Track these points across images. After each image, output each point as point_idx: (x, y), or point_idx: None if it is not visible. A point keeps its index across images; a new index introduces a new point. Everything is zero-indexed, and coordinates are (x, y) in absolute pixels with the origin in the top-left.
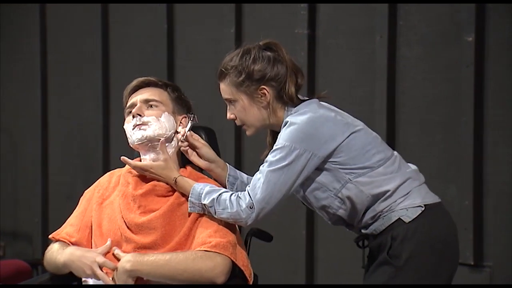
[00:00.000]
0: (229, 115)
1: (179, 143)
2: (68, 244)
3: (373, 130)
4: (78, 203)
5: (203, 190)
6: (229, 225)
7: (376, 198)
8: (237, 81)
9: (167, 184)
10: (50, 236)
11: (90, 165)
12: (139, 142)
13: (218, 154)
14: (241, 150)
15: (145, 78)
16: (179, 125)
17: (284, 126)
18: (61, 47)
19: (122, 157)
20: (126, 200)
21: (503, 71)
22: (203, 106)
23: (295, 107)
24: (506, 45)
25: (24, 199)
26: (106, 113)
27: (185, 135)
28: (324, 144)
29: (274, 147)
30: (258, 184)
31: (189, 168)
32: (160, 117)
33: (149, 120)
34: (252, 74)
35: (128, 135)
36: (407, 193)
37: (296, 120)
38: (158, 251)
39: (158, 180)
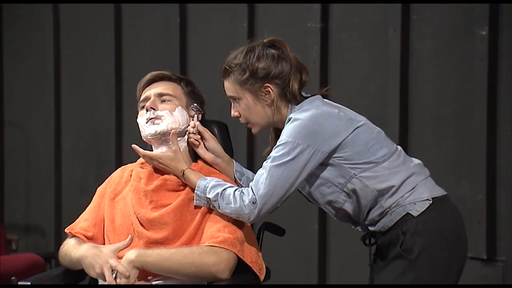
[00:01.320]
0: (233, 113)
1: (190, 134)
2: (84, 239)
3: (385, 124)
4: (91, 197)
5: (209, 184)
6: (238, 221)
7: (382, 193)
8: (241, 79)
9: (176, 176)
10: (66, 230)
11: (102, 160)
12: (152, 137)
13: (231, 148)
14: (253, 144)
15: (159, 72)
16: (192, 120)
17: (287, 123)
18: (74, 43)
19: (133, 145)
20: (137, 195)
21: None
22: (216, 101)
23: (298, 104)
24: None
25: (37, 193)
26: (118, 107)
27: (196, 126)
28: (328, 140)
29: (278, 143)
30: (261, 179)
31: (200, 162)
32: (174, 111)
33: (163, 114)
34: (256, 72)
35: (141, 129)
36: (414, 187)
37: (299, 116)
38: (169, 246)
39: (169, 173)
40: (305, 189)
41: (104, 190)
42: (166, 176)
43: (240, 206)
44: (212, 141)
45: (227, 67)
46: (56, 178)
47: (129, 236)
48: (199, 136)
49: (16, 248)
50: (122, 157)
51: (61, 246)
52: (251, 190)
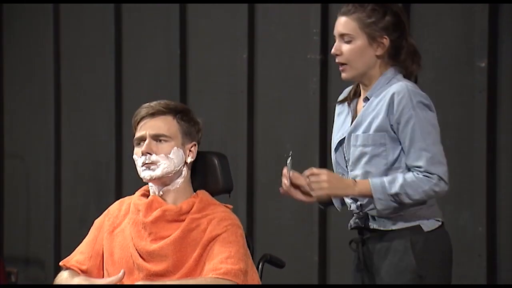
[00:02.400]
0: (335, 50)
1: (284, 186)
2: (79, 272)
3: None
4: (90, 228)
5: (384, 182)
6: (241, 252)
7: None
8: (365, 20)
9: (345, 194)
10: (61, 263)
11: (102, 190)
12: (149, 181)
13: (231, 179)
14: (253, 175)
15: (154, 106)
16: (188, 155)
17: (384, 87)
18: (74, 73)
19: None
20: (136, 228)
21: None
22: (216, 131)
23: (400, 71)
24: None
25: (36, 225)
26: (118, 137)
27: (289, 177)
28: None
29: (406, 119)
30: (422, 156)
31: (200, 194)
32: (169, 153)
33: (158, 160)
34: (381, 21)
35: (137, 169)
36: (432, 205)
37: (408, 87)
38: (170, 278)
39: (168, 205)
40: (366, 151)
41: (101, 223)
42: (165, 207)
43: (430, 186)
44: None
45: (356, 6)
46: (55, 209)
47: (122, 270)
48: (290, 184)
49: (16, 281)
50: (122, 187)
51: (55, 279)
52: (421, 171)
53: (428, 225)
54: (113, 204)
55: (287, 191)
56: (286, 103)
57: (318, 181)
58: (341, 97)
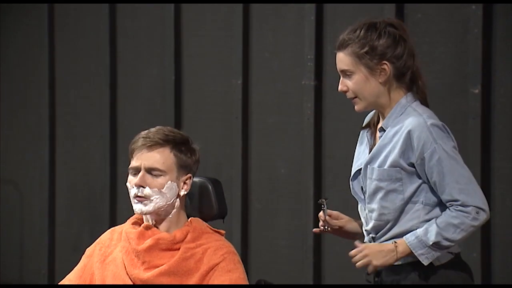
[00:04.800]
0: (341, 87)
1: (322, 229)
2: None
3: None
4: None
5: (420, 236)
6: (241, 277)
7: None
8: (359, 52)
9: (389, 262)
10: None
11: (96, 218)
12: (140, 214)
13: (225, 204)
14: (248, 201)
15: (152, 137)
16: (182, 188)
17: (400, 117)
18: (69, 100)
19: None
20: (129, 256)
21: (510, 123)
22: (211, 157)
23: (413, 96)
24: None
25: (30, 251)
26: (113, 164)
27: (325, 224)
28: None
29: (430, 155)
30: (454, 190)
31: (193, 222)
32: (163, 188)
33: (151, 194)
34: (376, 48)
35: (130, 197)
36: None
37: (425, 117)
38: None
39: (162, 233)
40: (382, 186)
41: (92, 251)
42: (158, 236)
43: (467, 220)
44: (346, 223)
45: (346, 39)
46: (49, 236)
47: None
48: (328, 229)
49: None
50: (116, 214)
51: None
52: (458, 205)
53: (439, 258)
54: (104, 233)
55: (327, 231)
56: (280, 129)
57: (362, 256)
58: (364, 123)
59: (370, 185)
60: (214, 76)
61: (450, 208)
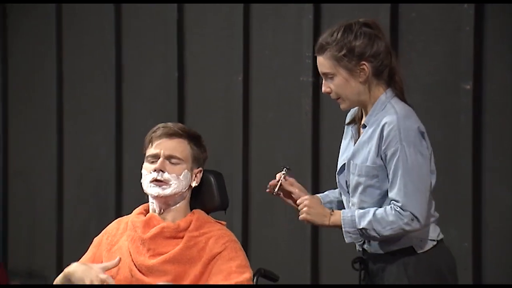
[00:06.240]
0: (325, 89)
1: (276, 194)
2: None
3: None
4: (90, 244)
5: (355, 216)
6: (243, 264)
7: None
8: (338, 55)
9: (321, 225)
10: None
11: (102, 208)
12: (155, 197)
13: (226, 196)
14: (248, 193)
15: (171, 127)
16: (194, 180)
17: (380, 113)
18: (76, 94)
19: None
20: (135, 244)
21: (499, 118)
22: (212, 150)
23: (393, 92)
24: (502, 93)
25: (39, 241)
26: (118, 157)
27: (278, 187)
28: (427, 150)
29: (392, 152)
30: (403, 190)
31: (196, 212)
32: (181, 175)
33: (170, 179)
34: (353, 49)
35: (144, 184)
36: (426, 226)
37: (399, 116)
38: None
39: (167, 222)
40: (361, 181)
41: (100, 241)
42: (163, 224)
43: (399, 224)
44: (300, 193)
45: (324, 43)
46: (58, 226)
47: (118, 257)
48: (281, 194)
49: None
50: (122, 205)
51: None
52: (398, 206)
53: (421, 246)
54: (111, 223)
55: (277, 194)
56: (279, 124)
57: (303, 205)
58: (348, 119)
59: (352, 180)
60: (216, 73)
61: (391, 205)
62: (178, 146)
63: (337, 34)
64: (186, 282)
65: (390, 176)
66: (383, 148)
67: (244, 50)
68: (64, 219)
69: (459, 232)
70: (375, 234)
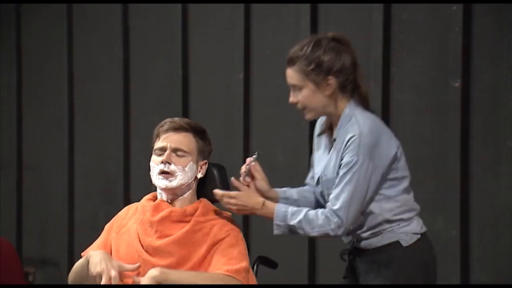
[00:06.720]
0: (292, 99)
1: (243, 176)
2: None
3: None
4: (100, 233)
5: (288, 212)
6: (242, 253)
7: (387, 221)
8: (306, 69)
9: (253, 213)
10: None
11: (111, 199)
12: (162, 189)
13: (228, 189)
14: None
15: (177, 122)
16: (199, 172)
17: (346, 121)
18: (86, 91)
19: (214, 190)
20: (143, 226)
21: (486, 113)
22: (215, 145)
23: (355, 103)
24: (489, 91)
25: (52, 230)
26: (126, 151)
27: (247, 171)
28: (385, 158)
29: (346, 162)
30: (339, 197)
31: (203, 200)
32: (186, 167)
33: (176, 171)
34: (321, 64)
35: (152, 176)
36: (410, 220)
37: (361, 130)
38: None
39: (174, 207)
40: (327, 191)
41: (111, 226)
42: (171, 209)
43: (325, 228)
44: (261, 182)
45: (294, 57)
46: (69, 216)
47: (137, 264)
48: (249, 179)
49: (33, 280)
50: (129, 197)
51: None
52: (331, 210)
53: (407, 240)
54: (122, 210)
55: (243, 177)
56: (279, 119)
57: (231, 203)
58: (318, 131)
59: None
60: (218, 71)
61: (325, 206)
62: (184, 140)
63: (307, 49)
64: (190, 263)
65: (337, 180)
66: (342, 155)
67: (245, 49)
68: (75, 209)
69: (447, 221)
70: (303, 233)
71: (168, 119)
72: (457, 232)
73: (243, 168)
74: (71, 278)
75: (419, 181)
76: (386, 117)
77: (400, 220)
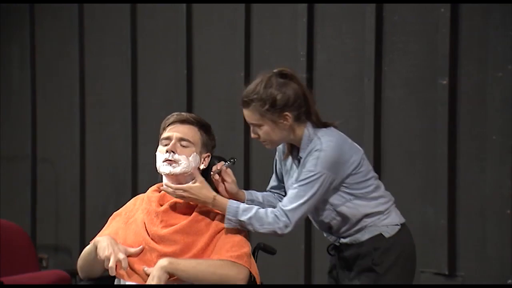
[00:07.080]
0: (253, 135)
1: (212, 174)
2: None
3: None
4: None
5: (239, 208)
6: (243, 240)
7: (366, 216)
8: (261, 109)
9: (205, 204)
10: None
11: (120, 190)
12: (166, 175)
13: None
14: (249, 178)
15: (184, 115)
16: (202, 163)
17: (308, 142)
18: (96, 89)
19: (164, 186)
20: (150, 216)
21: (472, 109)
22: (217, 139)
23: (314, 126)
24: (475, 88)
25: (64, 218)
26: (134, 145)
27: (220, 170)
28: (345, 169)
29: (305, 170)
30: (291, 199)
31: None
32: (190, 157)
33: (180, 159)
34: (275, 102)
35: (157, 164)
36: (388, 212)
37: (322, 147)
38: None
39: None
40: None
41: (119, 214)
42: (176, 200)
43: (274, 226)
44: (232, 185)
45: (248, 100)
46: (81, 206)
47: (141, 246)
48: (219, 177)
49: (46, 266)
50: (137, 188)
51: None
52: (281, 210)
53: (389, 231)
54: (130, 200)
55: (217, 181)
56: None
57: (182, 195)
58: (283, 157)
59: None
60: (220, 69)
61: (277, 205)
62: (188, 131)
63: (259, 89)
64: (193, 251)
65: (295, 184)
66: (300, 168)
67: (245, 48)
68: (86, 199)
69: (436, 210)
70: (252, 229)
71: (176, 113)
72: (445, 221)
73: (214, 168)
74: (80, 263)
75: (409, 173)
76: (378, 113)
77: (378, 212)
